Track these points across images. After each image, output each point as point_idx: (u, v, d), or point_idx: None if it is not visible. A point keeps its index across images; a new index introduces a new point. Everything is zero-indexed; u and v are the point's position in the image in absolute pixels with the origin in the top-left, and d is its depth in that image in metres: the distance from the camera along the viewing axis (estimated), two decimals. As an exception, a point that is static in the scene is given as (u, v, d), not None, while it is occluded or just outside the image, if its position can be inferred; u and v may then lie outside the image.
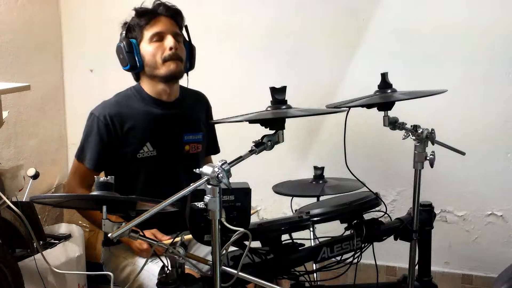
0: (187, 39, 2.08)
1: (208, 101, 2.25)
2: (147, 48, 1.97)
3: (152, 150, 2.00)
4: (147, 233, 1.86)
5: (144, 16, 1.98)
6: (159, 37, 1.97)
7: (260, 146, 1.42)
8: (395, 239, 1.96)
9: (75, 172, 2.04)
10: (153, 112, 2.01)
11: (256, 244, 1.57)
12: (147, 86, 2.04)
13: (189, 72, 2.09)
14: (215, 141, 2.29)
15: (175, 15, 2.04)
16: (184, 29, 2.08)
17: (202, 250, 2.01)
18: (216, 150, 2.30)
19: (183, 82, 2.09)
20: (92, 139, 1.98)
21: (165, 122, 2.03)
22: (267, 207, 3.03)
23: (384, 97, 1.86)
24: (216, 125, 2.29)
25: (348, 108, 1.75)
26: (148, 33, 1.97)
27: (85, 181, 2.00)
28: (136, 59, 1.97)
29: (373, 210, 1.87)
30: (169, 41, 1.97)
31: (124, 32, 2.01)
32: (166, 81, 2.01)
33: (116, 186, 1.44)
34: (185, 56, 2.03)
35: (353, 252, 1.80)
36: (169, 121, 2.04)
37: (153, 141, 2.00)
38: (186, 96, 2.12)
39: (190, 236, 1.52)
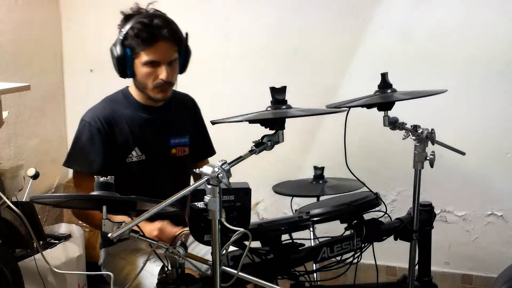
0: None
1: (195, 103, 2.23)
2: (140, 69, 1.93)
3: (141, 155, 1.99)
4: (157, 224, 1.81)
5: (142, 39, 1.88)
6: (154, 64, 1.91)
7: (260, 146, 1.42)
8: (395, 239, 1.96)
9: (80, 185, 1.97)
10: (140, 117, 2.01)
11: (256, 244, 1.57)
12: (135, 93, 2.04)
13: (189, 72, 2.07)
14: (208, 142, 2.26)
15: (176, 39, 1.95)
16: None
17: (201, 249, 2.01)
18: (211, 152, 2.26)
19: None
20: (88, 143, 1.94)
21: (152, 127, 2.03)
22: (267, 207, 3.03)
23: (384, 97, 1.86)
24: (216, 126, 2.26)
25: (348, 108, 1.76)
26: (144, 56, 1.90)
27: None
28: (128, 72, 1.93)
29: (373, 210, 1.87)
30: (163, 72, 1.92)
31: (121, 35, 1.91)
32: (153, 101, 2.01)
33: None
34: (178, 68, 1.99)
35: (353, 252, 1.80)
36: (155, 125, 2.04)
37: (141, 146, 2.00)
38: (173, 100, 2.09)
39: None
